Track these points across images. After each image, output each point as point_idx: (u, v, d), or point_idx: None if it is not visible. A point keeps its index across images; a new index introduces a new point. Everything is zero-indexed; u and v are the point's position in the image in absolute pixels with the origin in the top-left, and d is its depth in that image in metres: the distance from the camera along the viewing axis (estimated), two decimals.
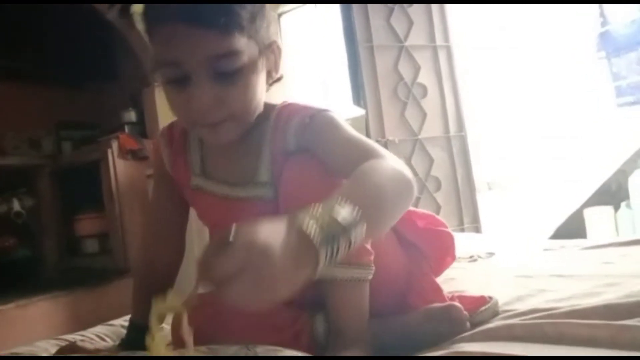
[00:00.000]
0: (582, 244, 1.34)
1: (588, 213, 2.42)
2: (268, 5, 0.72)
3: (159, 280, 0.89)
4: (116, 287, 2.35)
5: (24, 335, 1.86)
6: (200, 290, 0.48)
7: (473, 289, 0.90)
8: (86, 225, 2.69)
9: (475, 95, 2.84)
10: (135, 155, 2.55)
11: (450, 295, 0.82)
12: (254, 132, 0.75)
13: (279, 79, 0.77)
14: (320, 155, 0.71)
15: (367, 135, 2.33)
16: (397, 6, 2.48)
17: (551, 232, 2.54)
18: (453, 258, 0.92)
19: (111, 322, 1.11)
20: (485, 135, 2.94)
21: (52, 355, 0.88)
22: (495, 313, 0.78)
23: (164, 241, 0.88)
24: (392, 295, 0.81)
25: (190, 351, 0.54)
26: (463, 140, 2.54)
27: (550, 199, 2.77)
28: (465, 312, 0.73)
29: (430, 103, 2.50)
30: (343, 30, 2.47)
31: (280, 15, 2.90)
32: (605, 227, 2.34)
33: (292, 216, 0.50)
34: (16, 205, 2.56)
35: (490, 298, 0.80)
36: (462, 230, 2.44)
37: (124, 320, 1.05)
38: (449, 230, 0.89)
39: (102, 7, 2.43)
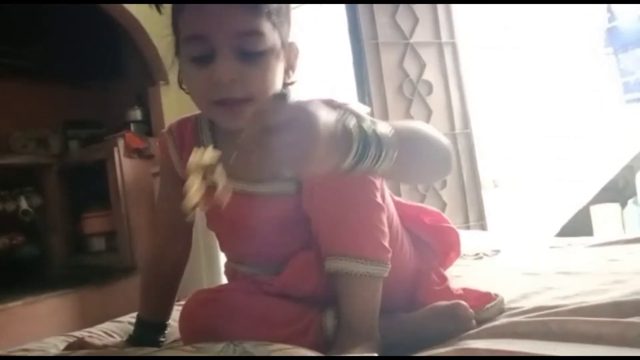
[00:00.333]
0: (589, 241, 1.33)
1: (595, 210, 2.41)
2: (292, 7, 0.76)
3: (166, 278, 0.90)
4: (123, 284, 2.36)
5: (32, 332, 1.87)
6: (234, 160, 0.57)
7: (479, 287, 0.90)
8: (93, 223, 2.71)
9: (480, 93, 2.83)
10: (141, 154, 2.56)
11: (456, 289, 0.82)
12: None
13: (292, 83, 0.78)
14: None
15: None
16: None
17: (557, 230, 2.53)
18: (457, 254, 0.92)
19: (119, 318, 1.12)
20: (491, 132, 2.93)
21: (61, 351, 0.89)
22: (501, 310, 0.78)
23: (171, 239, 0.89)
24: (402, 291, 0.81)
25: (226, 188, 0.61)
26: (469, 137, 2.53)
27: (556, 196, 2.76)
28: (471, 310, 0.73)
29: (435, 100, 2.49)
30: (348, 27, 2.47)
31: None
32: (612, 224, 2.33)
33: (341, 112, 0.53)
34: (24, 204, 2.58)
35: (496, 295, 0.79)
36: (468, 227, 2.43)
37: (131, 317, 1.05)
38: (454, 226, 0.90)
39: None
